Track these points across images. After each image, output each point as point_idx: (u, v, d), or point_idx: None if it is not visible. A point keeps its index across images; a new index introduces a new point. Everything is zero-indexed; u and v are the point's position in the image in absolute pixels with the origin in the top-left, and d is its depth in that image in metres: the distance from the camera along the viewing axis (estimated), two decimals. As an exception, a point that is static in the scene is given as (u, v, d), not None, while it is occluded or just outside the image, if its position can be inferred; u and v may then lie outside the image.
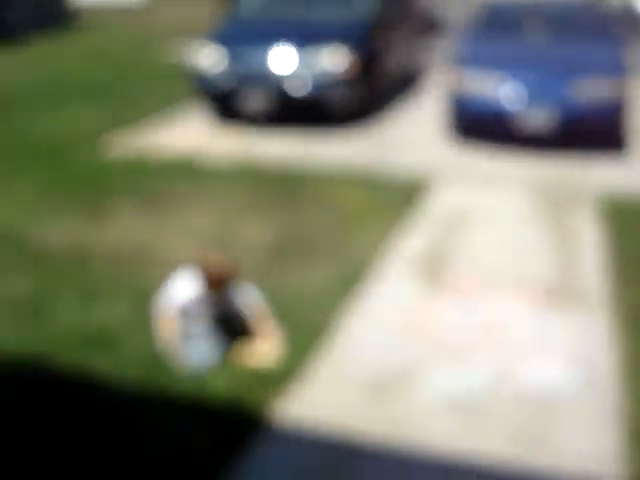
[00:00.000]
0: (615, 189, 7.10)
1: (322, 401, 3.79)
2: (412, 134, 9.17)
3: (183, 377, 3.88)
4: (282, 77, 8.85)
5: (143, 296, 4.70)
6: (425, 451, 3.45)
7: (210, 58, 9.19)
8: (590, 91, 7.97)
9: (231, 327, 4.20)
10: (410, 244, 5.77)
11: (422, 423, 3.65)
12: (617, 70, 8.19)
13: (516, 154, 8.20)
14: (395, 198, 6.68)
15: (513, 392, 3.91)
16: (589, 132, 8.18)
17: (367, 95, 9.47)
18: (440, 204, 6.72)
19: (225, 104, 9.20)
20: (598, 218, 6.40)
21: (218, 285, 4.08)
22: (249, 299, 4.21)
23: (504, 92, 8.11)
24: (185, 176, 7.20)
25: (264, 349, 4.09)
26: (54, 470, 3.23)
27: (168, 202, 6.49)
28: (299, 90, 8.81)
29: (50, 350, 4.14)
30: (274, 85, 8.88)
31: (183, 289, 4.16)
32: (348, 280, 5.03)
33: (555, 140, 8.19)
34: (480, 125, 8.40)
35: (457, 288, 5.07)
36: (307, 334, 4.32)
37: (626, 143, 8.54)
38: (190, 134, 9.00)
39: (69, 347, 4.17)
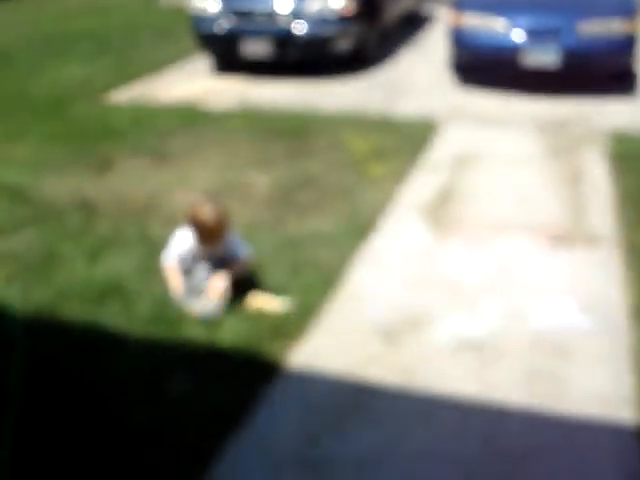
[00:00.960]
0: (623, 128, 6.98)
1: (335, 348, 3.76)
2: (417, 76, 9.03)
3: (192, 327, 3.85)
4: (281, 16, 8.64)
5: (150, 249, 4.65)
6: (439, 393, 3.44)
7: (205, -1, 8.96)
8: (596, 28, 7.78)
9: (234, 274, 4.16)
10: (419, 188, 5.70)
11: (436, 367, 3.62)
12: (625, 9, 7.98)
13: (522, 93, 8.06)
14: (403, 141, 6.58)
15: (527, 334, 3.86)
16: (595, 70, 8.03)
17: (369, 34, 9.27)
18: (448, 146, 6.62)
19: (223, 47, 9.02)
20: (606, 158, 6.31)
21: (210, 237, 4.02)
22: (241, 251, 4.16)
23: (508, 28, 7.92)
24: (189, 125, 7.10)
25: (268, 299, 4.05)
26: (64, 421, 3.22)
27: (173, 152, 6.41)
28: (299, 29, 8.60)
29: (59, 302, 4.10)
30: (273, 24, 8.68)
31: (183, 242, 4.12)
32: (359, 226, 4.96)
33: (560, 77, 8.04)
34: (484, 62, 8.22)
35: (468, 231, 5.01)
36: (319, 281, 4.27)
37: (633, 82, 8.39)
38: (194, 84, 8.87)
39: (78, 298, 4.13)
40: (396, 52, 10.18)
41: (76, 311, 4.05)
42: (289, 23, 8.59)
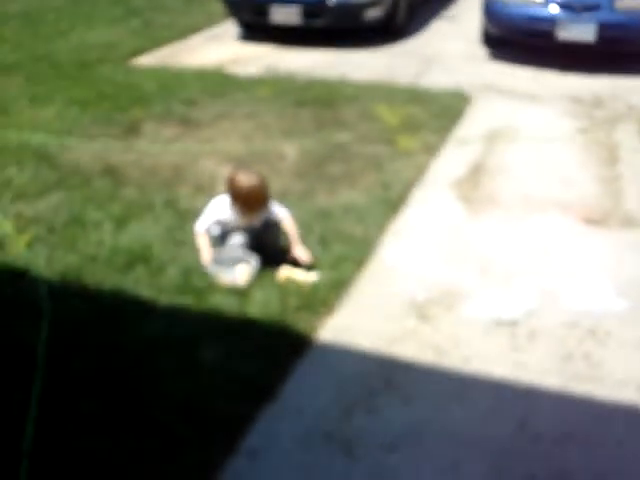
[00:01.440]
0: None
1: (367, 323, 3.68)
2: (449, 47, 8.84)
3: (221, 297, 3.78)
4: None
5: (178, 217, 4.59)
6: (472, 373, 3.36)
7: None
8: (633, 3, 7.55)
9: (266, 249, 4.09)
10: (452, 162, 5.57)
11: (469, 345, 3.53)
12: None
13: (555, 68, 7.87)
14: (435, 113, 6.43)
15: (561, 316, 3.76)
16: (630, 45, 7.81)
17: (400, 2, 9.05)
18: (481, 120, 6.47)
19: (252, 14, 8.83)
20: (642, 134, 6.15)
21: (252, 206, 3.92)
22: (282, 220, 4.08)
23: (545, 1, 7.71)
24: (217, 92, 6.98)
25: (299, 272, 3.97)
26: (90, 390, 3.18)
27: (200, 119, 6.31)
28: None
29: (85, 267, 4.04)
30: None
31: (219, 210, 4.04)
32: (391, 199, 4.85)
33: (595, 52, 7.84)
34: (518, 34, 8.00)
35: (501, 208, 4.89)
36: (350, 254, 4.17)
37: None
38: (222, 50, 8.75)
39: (104, 265, 4.07)
40: (427, 23, 9.98)
41: (102, 277, 3.99)
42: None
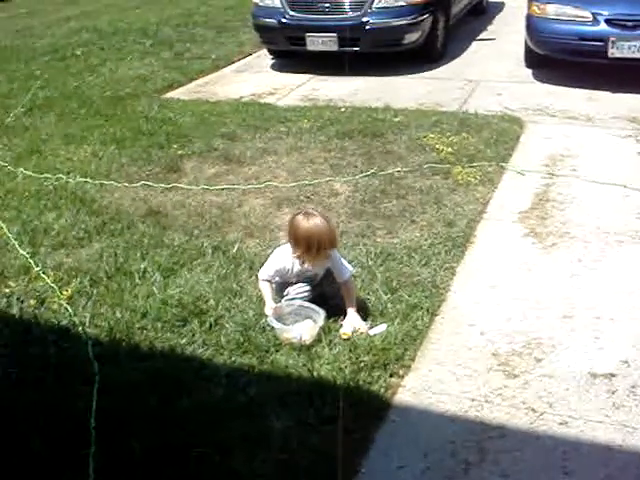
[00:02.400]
0: None
1: (448, 382, 3.32)
2: (492, 70, 8.51)
3: (286, 356, 3.44)
4: (348, 5, 8.16)
5: (230, 263, 4.28)
6: (576, 438, 2.99)
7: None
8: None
9: (327, 301, 3.75)
10: (515, 194, 5.21)
11: (566, 405, 3.17)
12: None
13: (607, 88, 7.49)
14: (488, 141, 6.09)
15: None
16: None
17: (439, 25, 8.75)
18: (538, 147, 6.11)
19: (287, 41, 8.55)
20: None
21: (313, 250, 3.59)
22: (343, 271, 3.75)
23: (595, 20, 7.34)
24: (257, 125, 6.70)
25: (364, 325, 3.63)
26: (147, 467, 2.85)
27: (243, 155, 6.01)
28: (366, 20, 8.10)
29: (133, 323, 3.75)
30: (340, 15, 8.19)
31: (282, 260, 3.72)
32: (455, 238, 4.51)
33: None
34: (568, 54, 7.62)
35: (574, 243, 4.52)
36: (420, 302, 3.82)
37: None
38: (258, 81, 8.49)
39: (154, 320, 3.76)
40: (465, 44, 9.66)
41: (153, 335, 3.68)
42: (356, 13, 8.11)
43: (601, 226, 4.72)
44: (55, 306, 3.96)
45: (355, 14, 8.11)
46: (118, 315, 3.82)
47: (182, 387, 3.27)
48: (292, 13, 8.31)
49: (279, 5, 8.39)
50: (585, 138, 6.29)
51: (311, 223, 3.57)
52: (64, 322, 3.81)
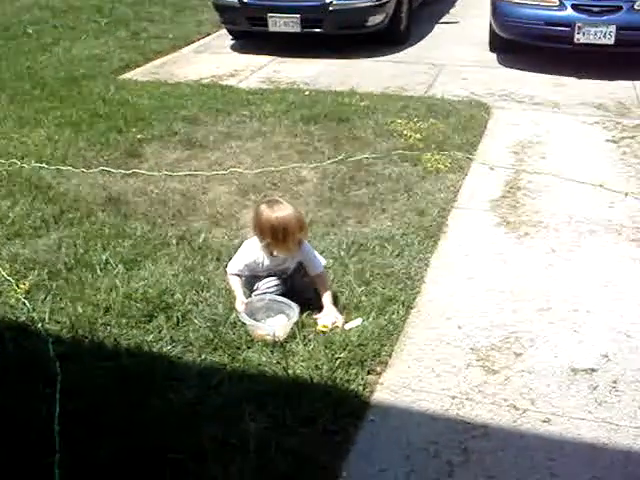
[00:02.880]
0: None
1: (428, 378, 3.21)
2: (457, 54, 8.43)
3: (258, 353, 3.29)
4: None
5: (196, 255, 4.11)
6: (560, 436, 2.91)
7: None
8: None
9: (298, 294, 3.61)
10: (485, 182, 5.13)
11: (549, 401, 3.09)
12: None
13: (572, 73, 7.47)
14: (456, 127, 6.00)
15: (637, 362, 3.33)
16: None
17: (402, 7, 8.60)
18: (506, 132, 6.05)
19: (249, 23, 8.32)
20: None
21: (281, 240, 3.44)
22: (315, 265, 3.62)
23: (563, 4, 7.30)
24: (220, 108, 6.49)
25: (340, 319, 3.50)
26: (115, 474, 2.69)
27: (206, 139, 5.82)
28: (329, 0, 7.91)
29: (96, 319, 3.55)
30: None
31: (251, 253, 3.57)
32: (427, 227, 4.40)
33: (614, 55, 7.45)
34: (534, 38, 7.56)
35: (548, 233, 4.45)
36: (395, 295, 3.71)
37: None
38: (219, 62, 8.25)
39: (118, 315, 3.57)
40: (428, 27, 9.55)
41: (117, 331, 3.49)
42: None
43: (573, 215, 4.67)
44: (12, 301, 3.74)
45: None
46: (79, 310, 3.62)
47: (151, 387, 3.10)
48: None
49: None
50: (553, 125, 6.24)
51: (275, 210, 3.43)
52: (22, 318, 3.60)
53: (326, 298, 3.55)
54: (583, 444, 2.89)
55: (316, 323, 3.48)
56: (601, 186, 5.03)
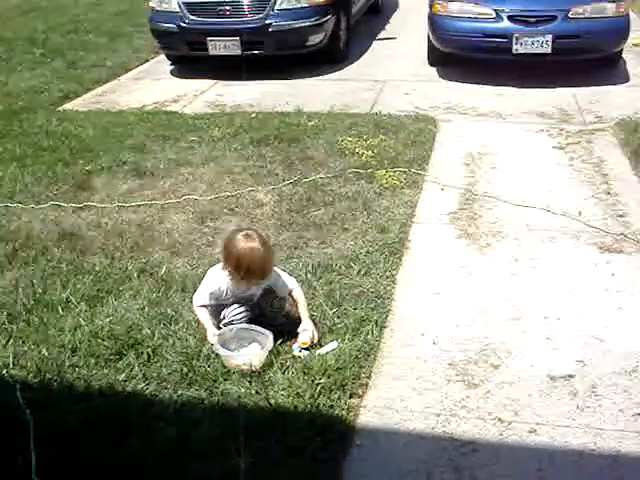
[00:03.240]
0: (628, 112, 6.61)
1: (410, 398, 3.19)
2: (397, 69, 8.51)
3: (236, 384, 3.22)
4: (249, 7, 7.92)
5: (159, 287, 4.01)
6: (546, 444, 2.92)
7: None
8: (587, 12, 7.38)
9: (266, 320, 3.56)
10: (441, 195, 5.16)
11: (530, 410, 3.09)
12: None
13: (512, 82, 7.61)
14: (406, 142, 6.04)
15: (614, 362, 3.38)
16: (587, 54, 7.62)
17: (341, 25, 8.66)
18: (455, 145, 6.12)
19: (188, 48, 8.24)
20: (623, 148, 5.90)
21: (251, 273, 3.37)
22: (285, 286, 3.57)
23: (498, 16, 7.44)
24: (166, 135, 6.39)
25: (307, 339, 3.45)
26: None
27: (156, 168, 5.70)
28: (269, 22, 7.92)
29: (63, 361, 3.41)
30: (241, 18, 7.95)
31: (216, 281, 3.49)
32: (390, 244, 4.39)
33: (551, 64, 7.64)
34: (472, 51, 7.70)
35: (509, 243, 4.50)
36: (366, 315, 3.68)
37: (623, 66, 8.07)
38: (159, 88, 8.14)
39: (86, 355, 3.44)
40: (365, 44, 9.62)
41: (87, 372, 3.37)
42: (259, 16, 7.90)
43: (529, 223, 4.73)
44: (-29, 347, 3.58)
45: (257, 16, 7.91)
46: (45, 353, 3.48)
47: (128, 428, 2.99)
48: (192, 17, 8.02)
49: (177, 9, 8.07)
50: (499, 135, 6.34)
51: (247, 246, 3.33)
52: (-17, 365, 3.44)
53: (303, 312, 3.51)
54: (570, 451, 2.90)
55: (295, 339, 3.43)
56: (550, 191, 5.12)
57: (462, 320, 3.74)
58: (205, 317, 3.49)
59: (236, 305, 3.55)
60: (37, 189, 5.37)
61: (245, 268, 3.33)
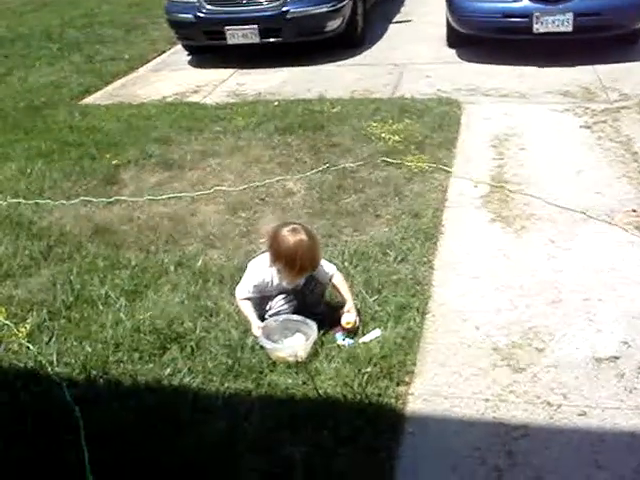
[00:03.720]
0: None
1: (458, 384, 3.18)
2: (417, 52, 8.44)
3: (282, 375, 3.22)
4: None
5: (197, 279, 4.01)
6: (597, 427, 2.90)
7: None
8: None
9: (308, 310, 3.55)
10: (472, 178, 5.13)
11: (579, 393, 3.08)
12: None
13: (533, 62, 7.54)
14: (431, 125, 6.00)
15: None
16: (607, 32, 7.53)
17: (358, 10, 8.60)
18: (481, 127, 6.07)
19: (206, 38, 8.21)
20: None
21: (298, 268, 3.35)
22: (326, 273, 3.56)
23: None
24: (190, 126, 6.38)
25: (352, 319, 3.45)
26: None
27: (183, 159, 5.70)
28: (286, 8, 7.88)
29: (107, 357, 3.43)
30: (259, 6, 7.93)
31: (260, 273, 3.49)
32: (424, 229, 4.37)
33: (573, 42, 7.56)
34: (491, 30, 7.62)
35: (542, 223, 4.47)
36: (407, 301, 3.67)
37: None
38: (179, 79, 8.11)
39: (129, 350, 3.45)
40: (383, 28, 9.56)
41: (132, 367, 3.38)
42: (276, 3, 7.85)
43: (563, 204, 4.69)
44: (15, 346, 3.59)
45: (275, 4, 7.87)
46: (88, 349, 3.50)
47: (178, 423, 3.00)
48: (209, 7, 7.99)
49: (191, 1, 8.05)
50: (524, 115, 6.29)
51: (296, 239, 3.32)
52: (29, 363, 3.46)
53: (346, 295, 3.53)
54: (622, 433, 2.89)
55: (339, 325, 3.45)
56: (581, 171, 5.09)
57: (503, 304, 3.73)
58: (249, 310, 3.49)
59: (282, 295, 3.54)
60: (66, 185, 5.38)
61: (299, 264, 3.32)
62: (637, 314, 3.57)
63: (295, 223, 3.49)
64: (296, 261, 3.31)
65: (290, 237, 3.31)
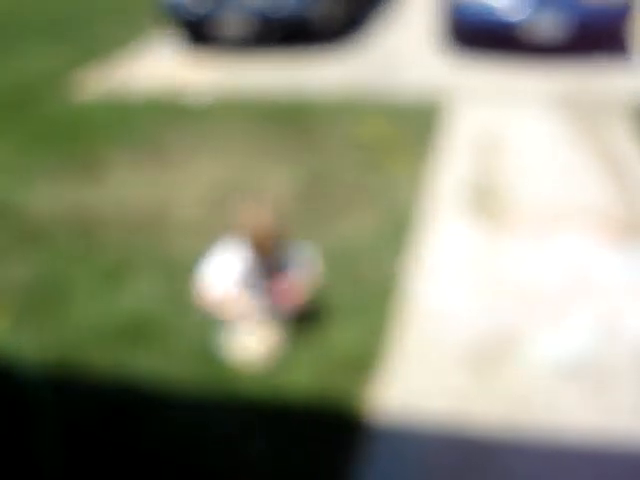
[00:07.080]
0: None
1: (427, 385, 3.23)
2: (404, 50, 8.43)
3: (252, 374, 3.27)
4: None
5: (173, 270, 4.05)
6: (564, 437, 2.95)
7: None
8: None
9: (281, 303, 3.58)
10: (450, 179, 5.17)
11: (544, 400, 3.13)
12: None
13: (525, 67, 7.57)
14: (414, 125, 6.03)
15: (629, 350, 3.42)
16: (596, 39, 7.58)
17: (350, 7, 8.62)
18: (465, 129, 6.10)
19: (197, 29, 8.23)
20: (634, 130, 5.89)
21: (267, 248, 3.39)
22: (303, 259, 3.58)
23: (511, 2, 7.41)
24: (176, 119, 6.40)
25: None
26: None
27: (167, 152, 5.72)
28: (279, 9, 7.91)
29: (76, 350, 3.46)
30: (251, 5, 7.98)
31: (232, 260, 3.51)
32: (398, 229, 4.42)
33: (565, 48, 7.60)
34: (483, 36, 7.68)
35: (519, 226, 4.52)
36: (378, 301, 3.73)
37: (632, 48, 8.02)
38: (169, 69, 8.08)
39: (101, 340, 3.50)
40: (372, 25, 9.55)
41: (101, 357, 3.42)
42: (269, 3, 7.89)
43: (539, 207, 4.74)
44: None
45: (265, 5, 7.88)
46: (59, 337, 3.53)
47: (142, 414, 3.05)
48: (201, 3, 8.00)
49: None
50: (509, 119, 6.31)
51: (253, 214, 3.42)
52: (2, 350, 3.49)
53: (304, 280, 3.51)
54: (588, 438, 2.93)
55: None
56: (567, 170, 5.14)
57: (475, 306, 3.77)
58: (219, 300, 3.51)
59: (250, 287, 3.56)
60: (49, 170, 5.39)
61: (265, 242, 3.35)
62: (609, 324, 3.61)
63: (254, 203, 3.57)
64: (259, 237, 3.34)
65: (247, 214, 3.44)
